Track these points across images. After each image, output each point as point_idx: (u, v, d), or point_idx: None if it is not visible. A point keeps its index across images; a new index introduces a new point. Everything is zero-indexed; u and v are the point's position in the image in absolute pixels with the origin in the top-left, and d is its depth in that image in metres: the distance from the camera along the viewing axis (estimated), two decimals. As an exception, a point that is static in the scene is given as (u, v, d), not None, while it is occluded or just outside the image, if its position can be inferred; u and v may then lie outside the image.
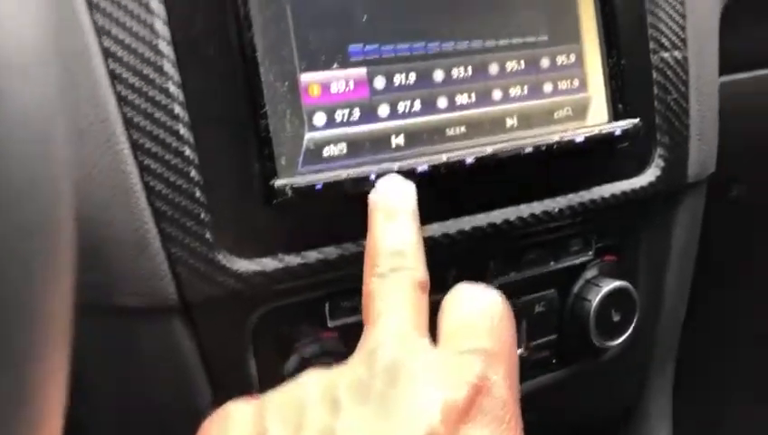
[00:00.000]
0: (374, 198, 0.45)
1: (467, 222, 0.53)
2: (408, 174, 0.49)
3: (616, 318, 0.63)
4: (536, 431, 0.64)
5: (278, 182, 0.46)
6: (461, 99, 0.53)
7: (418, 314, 0.39)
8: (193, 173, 0.44)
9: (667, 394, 0.78)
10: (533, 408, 0.59)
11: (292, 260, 0.47)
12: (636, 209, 0.63)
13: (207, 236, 0.45)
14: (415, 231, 0.42)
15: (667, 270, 0.67)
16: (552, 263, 0.61)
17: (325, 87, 0.48)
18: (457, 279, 0.56)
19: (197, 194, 0.44)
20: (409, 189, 0.45)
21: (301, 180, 0.46)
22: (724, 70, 0.71)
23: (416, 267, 0.41)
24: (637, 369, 0.73)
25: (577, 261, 0.62)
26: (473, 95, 0.54)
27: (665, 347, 0.73)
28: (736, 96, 0.77)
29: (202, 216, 0.45)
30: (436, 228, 0.52)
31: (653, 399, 0.77)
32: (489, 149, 0.52)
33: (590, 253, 0.62)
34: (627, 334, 0.63)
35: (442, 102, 0.53)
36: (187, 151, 0.44)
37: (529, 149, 0.54)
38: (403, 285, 0.39)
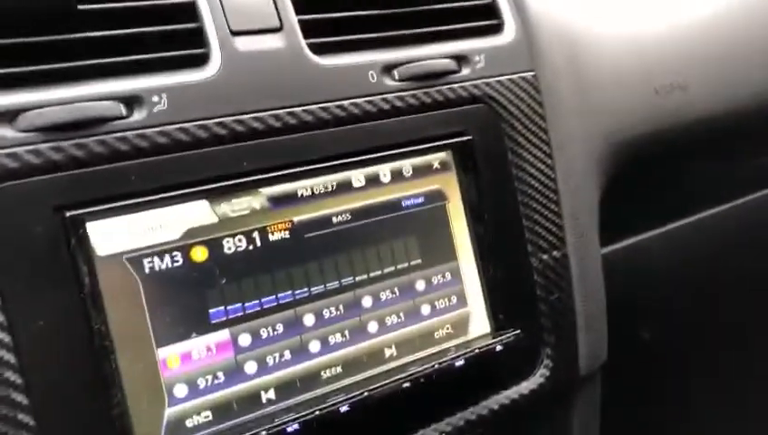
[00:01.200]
0: None
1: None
2: (278, 436, 0.48)
3: None
4: None
5: None
6: (334, 339, 0.53)
7: None
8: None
9: None
10: None
11: None
12: (530, 411, 0.63)
13: None
14: None
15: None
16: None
17: (185, 357, 0.47)
18: None
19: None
20: None
21: (159, 468, 0.44)
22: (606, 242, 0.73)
23: None
24: None
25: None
26: (347, 333, 0.53)
27: None
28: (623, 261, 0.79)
29: None
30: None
31: None
32: (365, 393, 0.52)
33: (492, 462, 0.62)
34: None
35: (314, 346, 0.52)
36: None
37: (407, 384, 0.53)
38: None
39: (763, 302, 0.94)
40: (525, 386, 0.61)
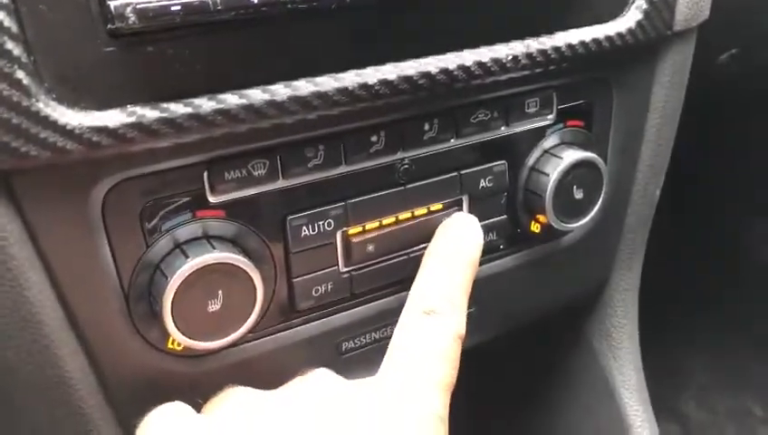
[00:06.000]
0: (445, 226, 0.48)
1: (392, 71, 0.41)
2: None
3: (579, 196, 0.52)
4: (486, 321, 0.55)
5: (116, 2, 0.33)
6: None
7: (445, 371, 0.41)
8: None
9: (636, 270, 0.68)
10: (479, 299, 0.50)
11: (148, 114, 0.35)
12: (609, 62, 0.51)
13: (24, 79, 0.33)
14: (470, 283, 0.45)
15: (644, 139, 0.56)
16: (502, 127, 0.49)
17: None
18: (378, 151, 0.45)
19: (7, 22, 0.32)
20: (479, 237, 0.48)
21: (150, -1, 0.33)
22: None
23: (460, 322, 0.43)
24: (603, 251, 0.63)
25: (534, 126, 0.50)
26: None
27: (637, 223, 0.62)
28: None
29: (16, 52, 0.32)
30: (352, 78, 0.40)
31: (621, 275, 0.66)
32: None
33: (551, 116, 0.51)
34: (591, 215, 0.53)
35: None
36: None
37: (474, -26, 0.41)
38: (442, 332, 0.42)
39: None
40: (611, 26, 0.48)
